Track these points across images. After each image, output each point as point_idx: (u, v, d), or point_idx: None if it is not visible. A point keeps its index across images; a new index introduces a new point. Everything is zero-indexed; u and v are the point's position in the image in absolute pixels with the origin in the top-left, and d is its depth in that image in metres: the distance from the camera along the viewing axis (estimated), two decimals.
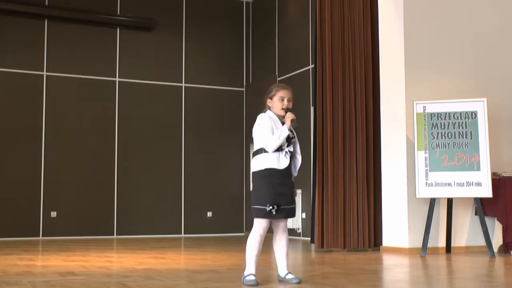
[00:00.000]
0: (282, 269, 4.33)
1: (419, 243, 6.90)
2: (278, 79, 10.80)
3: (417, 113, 6.95)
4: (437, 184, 6.79)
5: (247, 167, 11.43)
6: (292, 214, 4.30)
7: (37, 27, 10.48)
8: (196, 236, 10.91)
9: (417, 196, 6.86)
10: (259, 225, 4.23)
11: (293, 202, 4.31)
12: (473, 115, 6.82)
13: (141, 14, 11.12)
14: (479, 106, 6.82)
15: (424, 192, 6.83)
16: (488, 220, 7.01)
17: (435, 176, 6.80)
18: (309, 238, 8.39)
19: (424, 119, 6.92)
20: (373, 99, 7.69)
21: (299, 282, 4.20)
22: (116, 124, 10.82)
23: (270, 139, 4.21)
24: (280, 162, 4.24)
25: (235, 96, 11.70)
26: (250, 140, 11.44)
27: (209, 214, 11.29)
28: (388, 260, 6.35)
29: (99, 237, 10.34)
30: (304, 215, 9.84)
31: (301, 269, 5.44)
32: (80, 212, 10.41)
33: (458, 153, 6.80)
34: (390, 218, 7.28)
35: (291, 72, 10.53)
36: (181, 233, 11.08)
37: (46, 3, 10.54)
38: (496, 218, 7.12)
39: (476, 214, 7.11)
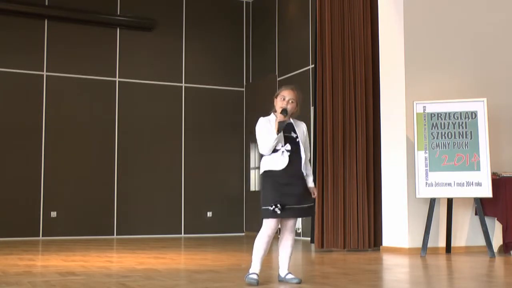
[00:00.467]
0: (283, 269, 4.34)
1: (419, 243, 6.90)
2: (278, 79, 10.80)
3: (417, 113, 6.95)
4: (437, 184, 6.79)
5: (247, 167, 11.43)
6: (303, 213, 4.29)
7: (37, 27, 10.48)
8: (196, 236, 10.91)
9: (417, 196, 6.86)
10: (267, 225, 4.24)
11: (305, 201, 4.27)
12: (473, 115, 6.82)
13: (141, 14, 11.12)
14: (479, 106, 6.82)
15: (424, 192, 6.83)
16: (488, 220, 7.01)
17: (435, 176, 6.80)
18: (309, 238, 8.39)
19: (424, 119, 6.92)
20: (373, 99, 7.69)
21: (299, 282, 4.20)
22: (116, 124, 10.82)
23: (261, 142, 4.27)
24: (278, 162, 4.25)
25: (235, 96, 11.70)
26: (250, 140, 11.45)
27: (209, 214, 11.29)
28: (388, 260, 6.35)
29: (99, 237, 10.34)
30: None
31: (301, 269, 5.44)
32: (80, 212, 10.41)
33: (458, 153, 6.80)
34: (390, 218, 7.27)
35: (291, 72, 10.53)
36: (181, 233, 11.07)
37: (46, 3, 10.54)
38: (496, 218, 7.12)
39: (476, 214, 7.11)
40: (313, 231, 7.47)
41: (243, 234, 11.25)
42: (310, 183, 4.36)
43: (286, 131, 4.30)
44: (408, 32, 7.30)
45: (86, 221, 10.43)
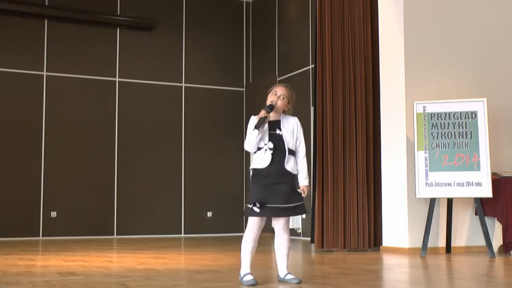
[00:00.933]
0: (282, 270, 4.30)
1: (419, 243, 6.90)
2: (278, 79, 10.79)
3: (417, 113, 6.95)
4: (437, 184, 6.79)
5: (247, 167, 11.43)
6: (287, 213, 4.20)
7: (37, 27, 10.48)
8: (196, 236, 10.91)
9: (417, 196, 6.86)
10: (250, 223, 4.23)
11: (290, 201, 4.19)
12: (473, 115, 6.82)
13: (141, 14, 11.12)
14: (479, 106, 6.82)
15: (424, 192, 6.83)
16: (488, 220, 7.01)
17: (435, 176, 6.80)
18: (309, 238, 8.39)
19: (424, 119, 6.92)
20: (373, 99, 7.69)
21: (299, 282, 4.18)
22: (116, 124, 10.82)
23: (245, 140, 4.25)
24: (262, 160, 4.20)
25: (235, 96, 11.70)
26: None
27: (209, 214, 11.29)
28: (388, 260, 6.35)
29: (99, 237, 10.34)
30: (304, 215, 9.84)
31: (301, 269, 5.44)
32: (80, 212, 10.41)
33: (458, 153, 6.80)
34: (390, 218, 7.27)
35: (291, 72, 10.53)
36: (181, 233, 11.08)
37: (46, 3, 10.54)
38: (496, 218, 7.12)
39: (476, 214, 7.11)
40: (313, 231, 7.47)
41: (243, 234, 11.23)
42: (302, 180, 4.27)
43: (271, 128, 4.23)
44: (408, 32, 7.30)
45: (86, 221, 10.43)
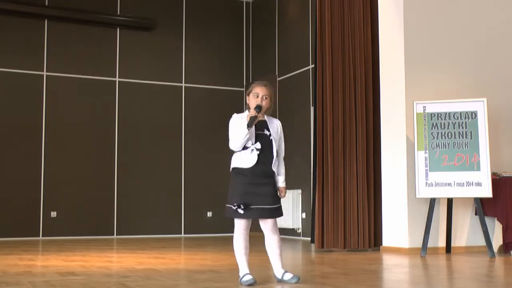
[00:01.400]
0: (277, 270, 4.25)
1: (419, 243, 6.90)
2: (278, 79, 10.80)
3: (417, 113, 6.95)
4: (437, 184, 6.79)
5: None
6: (269, 214, 4.14)
7: (37, 27, 10.48)
8: (196, 236, 10.91)
9: (417, 196, 6.86)
10: (237, 225, 4.22)
11: (272, 202, 4.14)
12: (473, 115, 6.82)
13: (141, 14, 11.12)
14: (479, 106, 6.82)
15: (424, 192, 6.83)
16: (488, 220, 7.01)
17: (435, 176, 6.80)
18: (309, 238, 8.39)
19: (424, 119, 6.92)
20: (373, 99, 7.68)
21: (298, 281, 4.15)
22: (116, 124, 10.82)
23: (232, 139, 4.16)
24: (246, 160, 4.15)
25: (235, 96, 11.70)
26: None
27: (209, 214, 11.29)
28: (388, 260, 6.35)
29: (99, 237, 10.34)
30: (304, 215, 9.84)
31: (301, 269, 5.44)
32: (80, 212, 10.41)
33: (458, 153, 6.80)
34: (390, 218, 7.28)
35: (291, 72, 10.53)
36: (181, 233, 11.08)
37: (46, 3, 10.54)
38: (496, 218, 7.12)
39: (476, 214, 7.11)
40: (313, 231, 7.47)
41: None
42: (280, 183, 4.22)
43: (258, 128, 4.18)
44: (408, 32, 7.30)
45: (86, 221, 10.43)
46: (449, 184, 6.76)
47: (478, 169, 6.71)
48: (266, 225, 4.23)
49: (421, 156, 6.88)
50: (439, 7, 7.50)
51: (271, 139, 4.21)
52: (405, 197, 7.06)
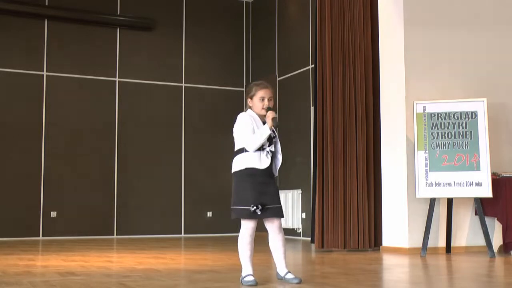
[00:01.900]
0: (281, 269, 4.29)
1: (419, 243, 6.90)
2: (278, 79, 10.80)
3: (417, 113, 6.95)
4: (437, 184, 6.79)
5: None
6: (280, 213, 4.21)
7: (37, 27, 10.48)
8: (196, 236, 10.91)
9: (417, 196, 6.86)
10: (246, 226, 4.19)
11: (278, 201, 4.21)
12: (473, 115, 6.82)
13: (141, 14, 11.12)
14: (479, 106, 6.82)
15: (424, 192, 6.83)
16: (488, 220, 7.01)
17: (435, 176, 6.80)
18: (309, 238, 8.39)
19: (424, 119, 6.92)
20: (373, 99, 7.69)
21: (299, 282, 4.17)
22: (116, 124, 10.82)
23: (251, 139, 4.16)
24: (262, 161, 4.18)
25: (235, 96, 11.70)
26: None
27: (209, 214, 11.29)
28: (388, 260, 6.35)
29: (99, 237, 10.34)
30: (304, 215, 9.84)
31: (301, 269, 5.44)
32: (80, 212, 10.41)
33: (458, 153, 6.80)
34: (390, 218, 7.27)
35: (291, 72, 10.53)
36: (181, 233, 11.08)
37: (46, 3, 10.54)
38: (496, 218, 7.12)
39: (476, 214, 7.11)
40: (313, 231, 7.47)
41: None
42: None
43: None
44: (408, 32, 7.30)
45: (86, 221, 10.43)
46: (449, 184, 6.76)
47: (478, 169, 6.71)
48: (273, 224, 4.25)
49: (421, 156, 6.88)
50: (439, 7, 7.50)
51: (275, 141, 4.28)
52: (405, 197, 7.06)
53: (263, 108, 4.23)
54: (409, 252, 6.92)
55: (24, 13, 10.32)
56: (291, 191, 9.81)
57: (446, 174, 6.78)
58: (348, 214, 7.41)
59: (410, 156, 7.05)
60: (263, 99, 4.24)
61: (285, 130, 9.75)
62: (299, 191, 9.80)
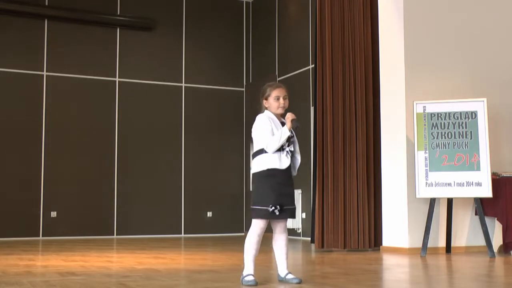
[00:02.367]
0: (282, 269, 4.32)
1: (419, 243, 6.90)
2: (278, 79, 10.80)
3: (417, 113, 6.95)
4: (437, 184, 6.79)
5: (247, 167, 11.43)
6: (293, 214, 4.29)
7: (37, 27, 10.48)
8: (196, 236, 10.91)
9: (417, 196, 6.86)
10: (258, 225, 4.22)
11: (294, 202, 4.30)
12: (473, 115, 6.82)
13: (141, 14, 11.12)
14: (479, 106, 6.82)
15: (424, 192, 6.83)
16: (488, 220, 7.01)
17: (435, 176, 6.80)
18: (309, 238, 8.39)
19: (424, 119, 6.92)
20: (373, 99, 7.69)
21: (299, 282, 4.19)
22: (116, 124, 10.82)
23: (271, 140, 4.20)
24: (282, 162, 4.23)
25: (235, 96, 11.70)
26: (250, 140, 11.45)
27: (209, 214, 11.29)
28: (388, 260, 6.35)
29: (99, 237, 10.34)
30: (304, 215, 9.84)
31: (301, 269, 5.44)
32: (80, 212, 10.41)
33: (458, 153, 6.80)
34: (390, 218, 7.27)
35: (291, 72, 10.53)
36: (181, 233, 11.08)
37: (46, 3, 10.54)
38: (496, 218, 7.12)
39: (476, 214, 7.11)
40: (313, 231, 7.47)
41: (243, 234, 11.24)
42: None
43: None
44: (408, 32, 7.30)
45: (86, 221, 10.43)
46: (449, 184, 6.76)
47: (478, 169, 6.71)
48: (280, 224, 4.31)
49: (421, 156, 6.88)
50: (439, 7, 7.50)
51: (293, 141, 4.32)
52: (405, 197, 7.06)
53: (279, 107, 4.28)
54: (409, 252, 6.92)
55: (24, 13, 10.32)
56: None
57: (446, 174, 6.78)
58: (348, 214, 7.41)
59: (410, 156, 7.05)
60: (278, 98, 4.31)
61: None
62: (299, 191, 9.81)
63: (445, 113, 6.89)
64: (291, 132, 4.28)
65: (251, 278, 4.13)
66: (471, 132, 6.79)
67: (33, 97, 10.36)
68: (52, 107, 10.43)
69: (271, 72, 11.07)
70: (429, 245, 6.84)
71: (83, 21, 10.73)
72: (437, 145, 6.86)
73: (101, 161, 10.67)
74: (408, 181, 7.05)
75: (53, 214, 10.26)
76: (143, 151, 10.93)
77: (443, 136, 6.87)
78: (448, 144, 6.84)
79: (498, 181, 6.95)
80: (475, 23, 7.61)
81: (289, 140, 4.27)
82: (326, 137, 7.50)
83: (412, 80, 7.23)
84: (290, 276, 4.25)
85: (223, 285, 4.20)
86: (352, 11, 7.76)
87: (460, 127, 6.84)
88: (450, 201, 6.92)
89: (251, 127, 4.40)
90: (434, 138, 6.88)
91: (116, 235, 10.64)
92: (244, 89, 11.80)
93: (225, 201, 11.39)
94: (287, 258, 4.34)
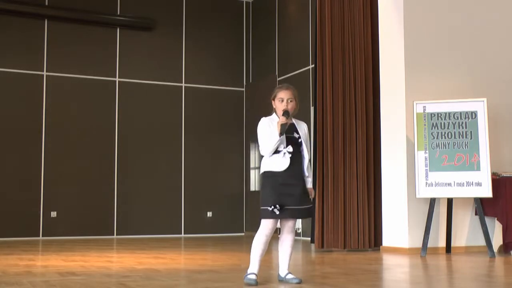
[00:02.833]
0: (283, 269, 4.34)
1: (419, 243, 6.90)
2: (278, 79, 10.80)
3: (417, 113, 6.95)
4: (437, 184, 6.79)
5: (247, 167, 11.43)
6: (301, 215, 4.28)
7: (37, 27, 10.48)
8: (196, 236, 10.91)
9: (417, 196, 6.86)
10: (265, 225, 4.25)
11: (303, 202, 4.26)
12: (473, 115, 6.82)
13: (141, 14, 11.12)
14: (479, 106, 6.82)
15: (424, 192, 6.83)
16: (488, 220, 7.01)
17: (435, 176, 6.80)
18: (309, 238, 8.39)
19: (424, 119, 6.92)
20: (373, 99, 7.69)
21: (299, 282, 4.20)
22: (116, 124, 10.82)
23: (263, 145, 4.27)
24: (279, 164, 4.25)
25: (235, 96, 11.70)
26: (250, 140, 11.45)
27: (209, 214, 11.29)
28: (388, 260, 6.35)
29: (99, 237, 10.34)
30: None
31: (301, 269, 5.44)
32: (80, 212, 10.41)
33: (458, 153, 6.80)
34: (390, 218, 7.28)
35: (291, 72, 10.53)
36: (181, 233, 11.07)
37: (46, 3, 10.54)
38: (496, 218, 7.12)
39: (476, 214, 7.11)
40: (313, 231, 7.47)
41: (243, 234, 11.24)
42: (309, 183, 4.36)
43: (288, 131, 4.28)
44: (408, 32, 7.30)
45: (86, 221, 10.43)
46: (449, 184, 6.76)
47: (478, 169, 6.71)
48: (288, 224, 4.34)
49: (421, 156, 6.88)
50: (439, 7, 7.50)
51: (301, 141, 4.32)
52: (405, 197, 7.06)
53: (282, 109, 4.30)
54: (409, 252, 6.92)
55: (24, 13, 10.32)
56: None
57: (446, 174, 6.78)
58: (348, 214, 7.41)
59: (410, 156, 7.05)
60: (282, 100, 4.33)
61: None
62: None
63: (445, 113, 6.89)
64: (297, 133, 4.31)
65: (253, 277, 4.17)
66: (471, 132, 6.79)
67: (33, 97, 10.36)
68: (52, 107, 10.42)
69: (271, 72, 11.07)
70: (429, 245, 6.84)
71: (83, 21, 10.72)
72: (437, 145, 6.86)
73: (101, 161, 10.67)
74: (408, 181, 7.05)
75: (53, 214, 10.26)
76: (143, 151, 10.93)
77: (443, 136, 6.87)
78: (448, 144, 6.84)
79: (498, 181, 6.95)
80: (475, 23, 7.61)
81: (290, 141, 4.27)
82: (326, 137, 7.50)
83: (412, 80, 7.23)
84: (290, 276, 4.27)
85: (223, 285, 4.20)
86: (352, 11, 7.76)
87: (460, 127, 6.84)
88: (450, 201, 6.92)
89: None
90: (434, 138, 6.88)
91: (116, 235, 10.63)
92: (244, 89, 11.80)
93: (225, 201, 11.38)
94: (290, 258, 4.37)
